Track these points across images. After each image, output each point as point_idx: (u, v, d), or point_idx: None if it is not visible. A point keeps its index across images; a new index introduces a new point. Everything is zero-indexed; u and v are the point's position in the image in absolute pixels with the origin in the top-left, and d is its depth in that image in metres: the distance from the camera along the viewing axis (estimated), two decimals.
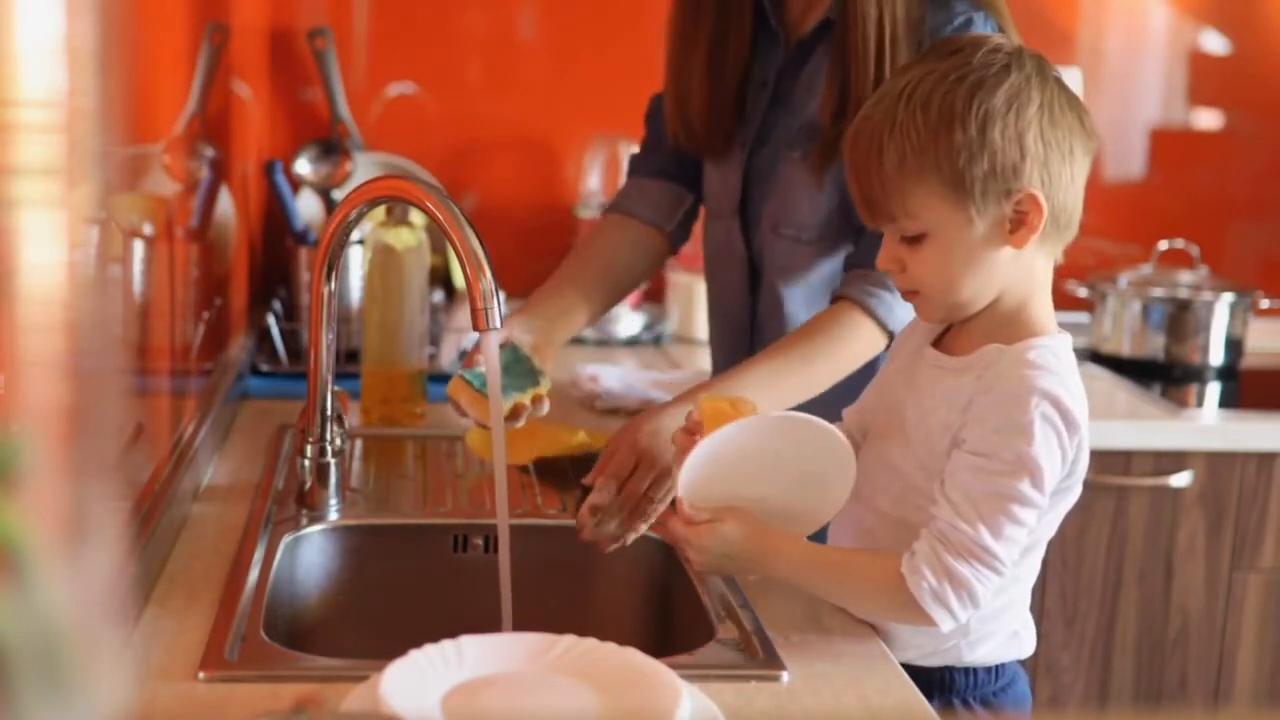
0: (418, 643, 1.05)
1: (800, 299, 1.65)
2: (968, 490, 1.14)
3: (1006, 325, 1.20)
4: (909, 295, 1.23)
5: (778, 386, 1.43)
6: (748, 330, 1.70)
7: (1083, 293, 2.55)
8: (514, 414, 1.40)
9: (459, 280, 2.41)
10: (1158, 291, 2.50)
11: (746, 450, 1.21)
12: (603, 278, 1.67)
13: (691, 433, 1.22)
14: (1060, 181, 1.16)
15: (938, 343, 1.26)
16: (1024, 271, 1.19)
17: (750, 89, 1.67)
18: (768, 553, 1.21)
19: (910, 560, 1.15)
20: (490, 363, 1.33)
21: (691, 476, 1.20)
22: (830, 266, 1.63)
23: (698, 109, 1.66)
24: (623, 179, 1.83)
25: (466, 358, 1.45)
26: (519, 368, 1.41)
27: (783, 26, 1.64)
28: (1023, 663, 1.32)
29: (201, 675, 1.10)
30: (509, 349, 1.43)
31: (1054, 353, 1.18)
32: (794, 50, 1.63)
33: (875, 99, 1.20)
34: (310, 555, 1.46)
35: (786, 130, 1.63)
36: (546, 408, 1.44)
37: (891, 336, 1.49)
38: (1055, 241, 1.20)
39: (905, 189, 1.16)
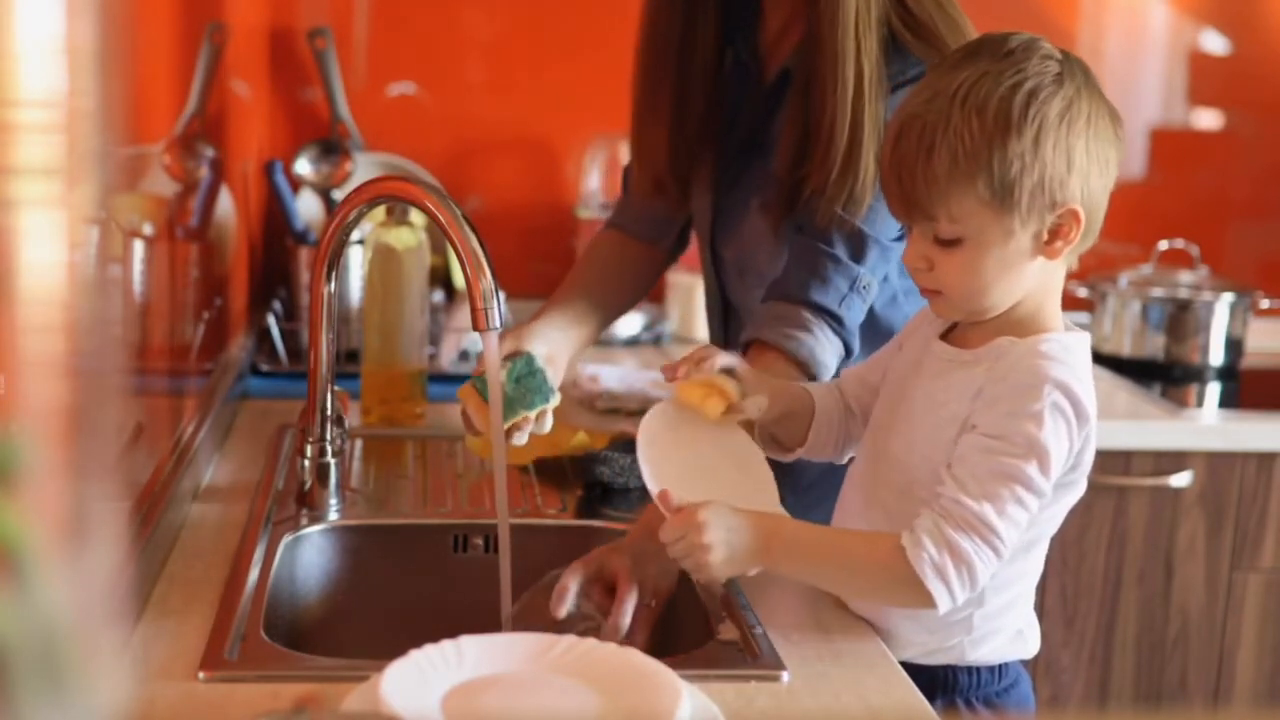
0: (418, 643, 1.05)
1: None
2: (974, 468, 1.15)
3: (1020, 321, 1.21)
4: (928, 293, 1.22)
5: None
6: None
7: (1083, 293, 2.55)
8: (516, 428, 1.38)
9: (459, 280, 2.40)
10: (1158, 291, 2.50)
11: (678, 453, 1.25)
12: (602, 297, 1.65)
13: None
14: (1097, 194, 1.17)
15: (945, 335, 1.26)
16: (1045, 278, 1.20)
17: (722, 128, 1.60)
18: (763, 529, 1.18)
19: (911, 534, 1.15)
20: (490, 363, 1.33)
21: (658, 484, 1.22)
22: None
23: (662, 154, 1.60)
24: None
25: (480, 361, 1.42)
26: (533, 381, 1.38)
27: (755, 60, 1.57)
28: (1024, 663, 1.32)
29: (201, 675, 1.10)
30: (526, 358, 1.39)
31: (1065, 346, 1.19)
32: (767, 89, 1.56)
33: (927, 96, 1.16)
34: (310, 555, 1.46)
35: (752, 175, 1.57)
36: (550, 424, 1.41)
37: (810, 374, 1.45)
38: (1079, 249, 1.20)
39: (951, 193, 1.14)
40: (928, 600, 1.14)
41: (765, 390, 1.29)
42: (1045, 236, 1.16)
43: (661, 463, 1.23)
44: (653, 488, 1.21)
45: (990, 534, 1.14)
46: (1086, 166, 1.15)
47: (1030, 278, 1.18)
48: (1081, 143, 1.15)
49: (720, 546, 1.16)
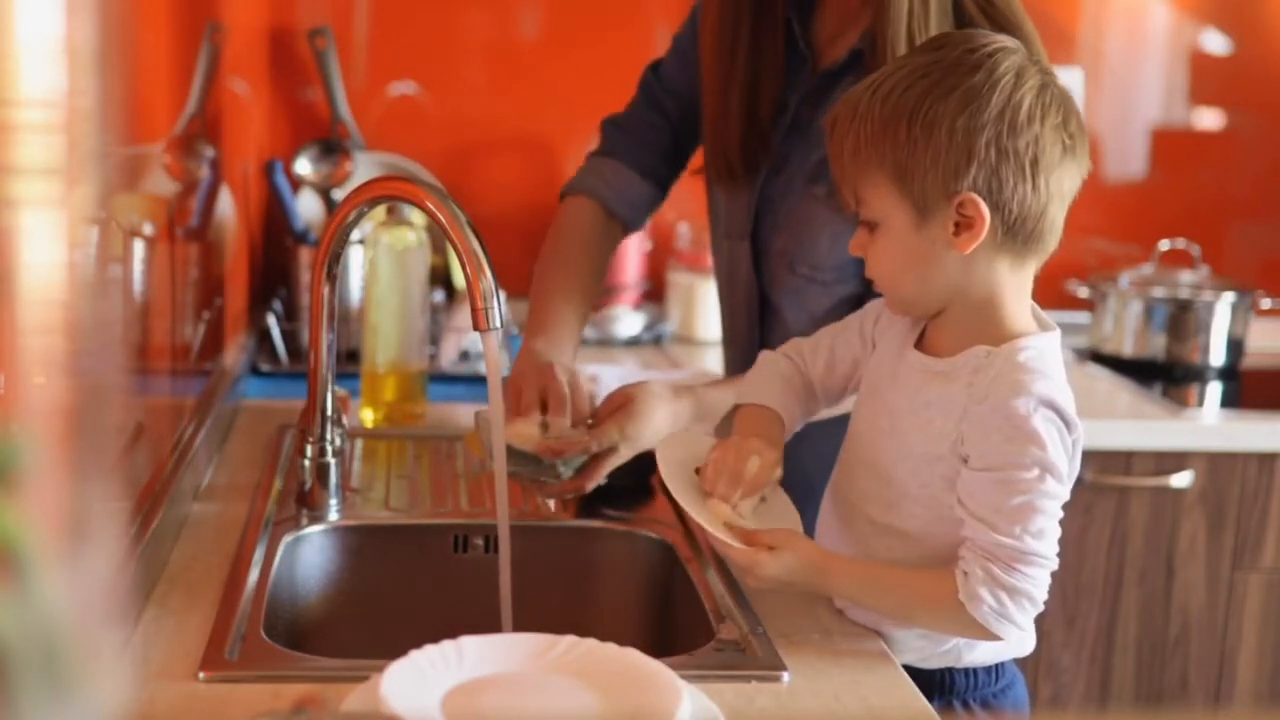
0: (418, 643, 1.05)
1: (810, 331, 1.62)
2: (997, 505, 1.15)
3: (983, 325, 1.20)
4: (875, 285, 1.24)
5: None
6: (755, 351, 1.69)
7: (1083, 293, 2.54)
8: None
9: (459, 280, 2.40)
10: (1159, 291, 2.50)
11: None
12: (595, 278, 1.68)
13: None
14: (1016, 192, 1.14)
15: (919, 343, 1.26)
16: (980, 276, 1.18)
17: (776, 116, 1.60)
18: (826, 574, 1.22)
19: (966, 585, 1.15)
20: (490, 360, 1.33)
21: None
22: (843, 300, 1.58)
23: (734, 140, 1.59)
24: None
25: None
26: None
27: (811, 49, 1.58)
28: (1024, 664, 1.32)
29: (201, 675, 1.10)
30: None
31: (1041, 352, 1.18)
32: (819, 79, 1.56)
33: (856, 89, 1.21)
34: (310, 555, 1.46)
35: (803, 160, 1.57)
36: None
37: None
38: (1019, 251, 1.18)
39: (857, 177, 1.19)
40: (996, 637, 1.17)
41: (776, 455, 1.30)
42: (953, 228, 1.16)
43: (686, 490, 1.27)
44: (713, 531, 1.23)
45: (1037, 558, 1.15)
46: (993, 159, 1.13)
47: (948, 272, 1.18)
48: (987, 134, 1.13)
49: (768, 587, 1.23)
